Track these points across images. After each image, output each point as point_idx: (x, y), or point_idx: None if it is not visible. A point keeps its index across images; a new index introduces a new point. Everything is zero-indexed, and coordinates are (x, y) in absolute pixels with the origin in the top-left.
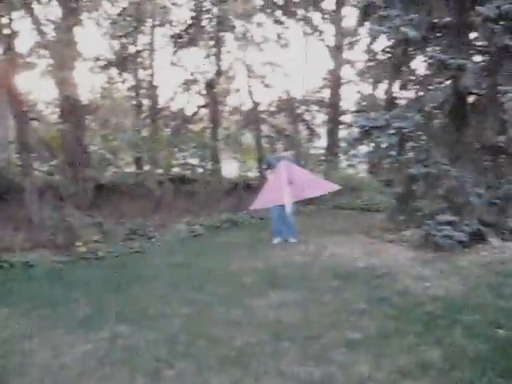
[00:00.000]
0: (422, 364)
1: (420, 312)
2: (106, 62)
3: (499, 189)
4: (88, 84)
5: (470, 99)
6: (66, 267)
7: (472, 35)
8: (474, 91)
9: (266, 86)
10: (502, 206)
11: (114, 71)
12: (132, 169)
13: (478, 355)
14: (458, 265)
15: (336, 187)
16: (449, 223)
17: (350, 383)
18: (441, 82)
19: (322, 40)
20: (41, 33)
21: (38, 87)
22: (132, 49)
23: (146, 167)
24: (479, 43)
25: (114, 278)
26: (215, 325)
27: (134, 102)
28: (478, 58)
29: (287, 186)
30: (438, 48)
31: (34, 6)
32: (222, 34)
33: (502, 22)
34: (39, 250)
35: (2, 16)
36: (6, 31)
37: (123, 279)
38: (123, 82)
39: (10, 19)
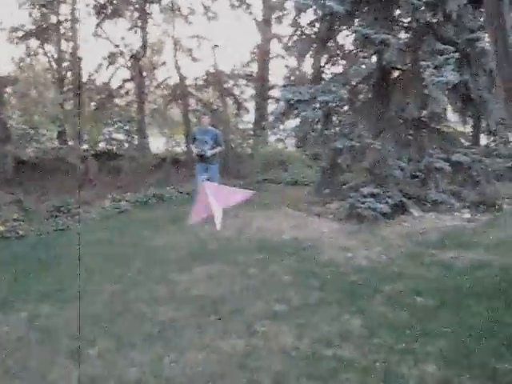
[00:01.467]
0: (344, 333)
1: (343, 282)
2: (25, 32)
3: (421, 162)
4: (6, 55)
5: (394, 74)
6: None
7: (396, 12)
8: (398, 66)
9: (194, 59)
10: (424, 178)
11: (34, 42)
12: (55, 144)
13: (397, 322)
14: (380, 236)
15: (251, 193)
16: (372, 195)
17: (273, 354)
18: (366, 57)
19: (250, 13)
20: None
21: None
22: (53, 19)
23: (70, 142)
24: (403, 19)
25: (35, 257)
26: (139, 301)
27: (56, 75)
28: (401, 35)
29: (213, 198)
30: (363, 23)
31: None
32: (147, 5)
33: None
34: None
35: None
36: None
37: (46, 258)
38: (44, 53)
39: None
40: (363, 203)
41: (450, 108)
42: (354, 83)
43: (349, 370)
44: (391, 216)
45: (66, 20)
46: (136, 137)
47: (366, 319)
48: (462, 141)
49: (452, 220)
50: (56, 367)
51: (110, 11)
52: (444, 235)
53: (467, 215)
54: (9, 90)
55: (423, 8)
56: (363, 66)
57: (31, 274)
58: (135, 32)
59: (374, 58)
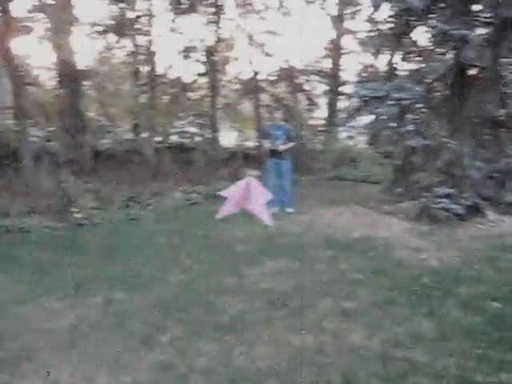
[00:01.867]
0: (414, 334)
1: (415, 283)
2: (103, 28)
3: (498, 162)
4: (86, 50)
5: (472, 72)
6: (62, 233)
7: (476, 7)
8: (476, 63)
9: (266, 54)
10: (500, 179)
11: (112, 37)
12: (130, 136)
13: (471, 327)
14: (454, 237)
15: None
16: (446, 196)
17: (342, 352)
18: (443, 54)
19: (324, 9)
20: None
21: (34, 52)
22: (131, 14)
23: (144, 134)
24: (483, 15)
25: (109, 245)
26: (210, 292)
27: (132, 69)
28: (481, 31)
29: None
30: (440, 18)
31: None
32: (221, 0)
33: None
34: (36, 215)
35: None
36: None
37: (118, 245)
38: (121, 47)
39: None
40: (437, 203)
41: None
42: (429, 80)
43: (420, 373)
44: (465, 218)
45: (143, 15)
46: (208, 130)
47: (437, 322)
48: None
49: None
50: (129, 352)
51: (185, 7)
52: None
53: None
54: (87, 82)
55: (505, 2)
56: (440, 63)
57: (105, 260)
58: (209, 27)
59: (451, 55)
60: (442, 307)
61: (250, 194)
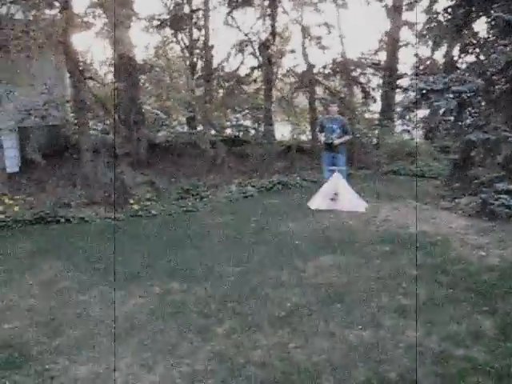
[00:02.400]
0: (474, 333)
1: (474, 281)
2: (160, 22)
3: None
4: (143, 44)
5: None
6: (120, 224)
7: None
8: None
9: (322, 47)
10: None
11: (168, 31)
12: (185, 129)
13: None
14: None
15: (364, 206)
16: (507, 192)
17: (399, 349)
18: (505, 46)
19: (381, 0)
20: None
21: (93, 46)
22: (186, 8)
23: (199, 127)
24: None
25: (165, 236)
26: (265, 285)
27: (188, 62)
28: None
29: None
30: (503, 8)
31: None
32: None
33: None
34: (94, 206)
35: None
36: None
37: (175, 237)
38: (177, 41)
39: None
40: (497, 200)
41: None
42: (490, 73)
43: (480, 372)
44: None
45: (199, 9)
46: (262, 124)
47: (498, 321)
48: None
49: None
50: (185, 342)
51: (240, 0)
52: None
53: None
54: (144, 76)
55: None
56: (501, 55)
57: (161, 251)
58: (264, 20)
59: None
60: (503, 305)
61: (338, 193)
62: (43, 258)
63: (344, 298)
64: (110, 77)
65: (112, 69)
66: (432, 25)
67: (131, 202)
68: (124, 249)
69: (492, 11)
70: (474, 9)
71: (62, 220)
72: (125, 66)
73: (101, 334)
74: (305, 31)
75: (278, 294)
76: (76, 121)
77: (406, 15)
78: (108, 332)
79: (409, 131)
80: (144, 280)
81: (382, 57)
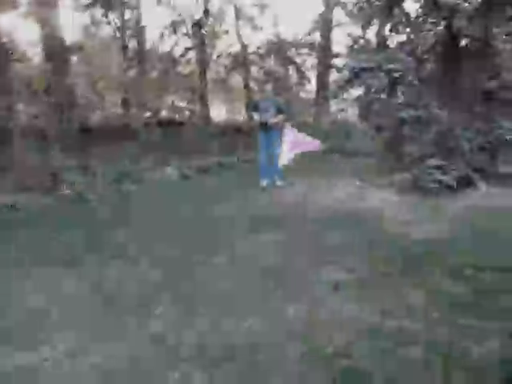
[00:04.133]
0: (404, 305)
1: (405, 255)
2: (90, 1)
3: (489, 134)
4: (72, 24)
5: (463, 42)
6: (53, 210)
7: None
8: (467, 34)
9: (255, 27)
10: (492, 151)
11: (98, 11)
12: (119, 111)
13: (460, 297)
14: (445, 209)
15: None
16: (438, 167)
17: (337, 326)
18: (433, 23)
19: None
20: None
21: (20, 27)
22: None
23: (134, 110)
24: None
25: (100, 221)
26: (201, 266)
27: (120, 43)
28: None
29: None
30: None
31: None
32: None
33: None
34: (26, 192)
35: None
36: None
37: (109, 221)
38: (109, 22)
39: None
40: (428, 175)
41: None
42: (420, 51)
43: (412, 342)
44: (457, 189)
45: None
46: (198, 105)
47: (427, 293)
48: None
49: None
50: (120, 326)
51: None
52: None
53: None
54: (75, 57)
55: None
56: (431, 34)
57: (96, 236)
58: (198, 0)
59: (442, 26)
60: (432, 278)
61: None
62: None
63: (278, 276)
64: (39, 59)
65: (40, 50)
66: (363, 5)
67: (64, 186)
68: (57, 235)
69: None
70: None
71: None
72: (53, 47)
73: (33, 323)
74: (238, 11)
75: (213, 275)
76: (3, 104)
77: None
78: (42, 321)
79: (343, 110)
80: (79, 266)
81: (317, 37)
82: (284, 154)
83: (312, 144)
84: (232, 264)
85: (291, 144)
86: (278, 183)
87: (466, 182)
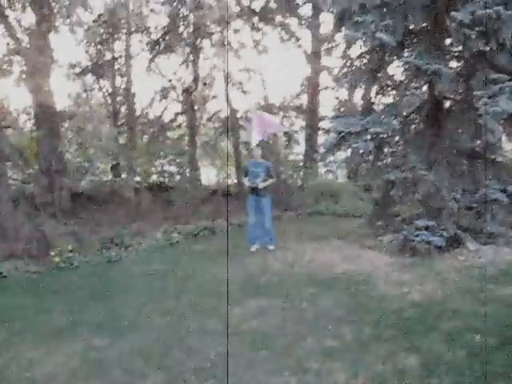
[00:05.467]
0: (399, 371)
1: (398, 318)
2: (81, 69)
3: (476, 193)
4: (64, 91)
5: (446, 104)
6: (41, 277)
7: (447, 41)
8: (450, 96)
9: (244, 92)
10: (479, 210)
11: (90, 78)
12: (109, 177)
13: (455, 361)
14: (435, 270)
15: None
16: (426, 228)
17: None
18: (417, 88)
19: (300, 46)
20: (14, 39)
21: (11, 94)
22: (108, 55)
23: (124, 175)
24: (454, 49)
25: (89, 288)
26: (191, 335)
27: (111, 109)
28: (453, 64)
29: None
30: (413, 53)
31: (8, 12)
32: (198, 40)
33: (476, 28)
34: (13, 259)
35: None
36: None
37: (98, 289)
38: (100, 88)
39: None
40: (417, 236)
41: (505, 137)
42: (405, 114)
43: None
44: (446, 249)
45: (121, 56)
46: (188, 169)
47: (422, 357)
48: None
49: (510, 253)
50: None
51: (162, 47)
52: (502, 269)
53: None
54: (66, 124)
55: (475, 37)
56: (415, 97)
57: (85, 304)
58: (187, 66)
59: (426, 88)
60: (426, 342)
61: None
62: None
63: (270, 343)
64: (30, 125)
65: (32, 117)
66: (348, 69)
67: (52, 254)
68: (44, 303)
69: (403, 56)
70: (387, 54)
71: None
72: (44, 114)
73: None
74: (227, 77)
75: (203, 344)
76: None
77: (325, 60)
78: None
79: (332, 172)
80: (66, 336)
81: (304, 100)
82: (252, 136)
83: (277, 126)
84: (222, 332)
85: (258, 126)
86: (270, 247)
87: (455, 242)
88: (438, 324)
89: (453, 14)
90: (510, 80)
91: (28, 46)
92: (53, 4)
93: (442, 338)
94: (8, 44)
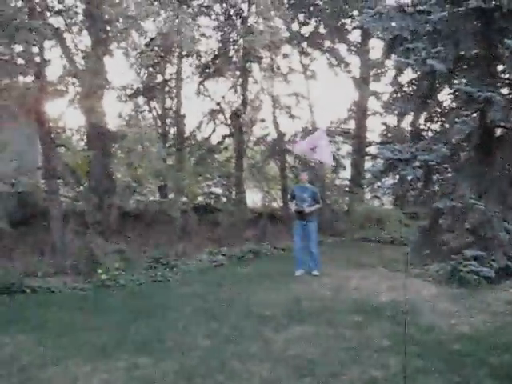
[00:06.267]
0: None
1: (445, 350)
2: (133, 91)
3: None
4: (115, 112)
5: (498, 132)
6: (88, 294)
7: (499, 67)
8: (502, 124)
9: (292, 116)
10: None
11: (141, 100)
12: (156, 197)
13: None
14: (484, 301)
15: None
16: (475, 258)
17: None
18: (468, 115)
19: (348, 72)
20: (71, 61)
21: (66, 114)
22: (159, 78)
23: (171, 195)
24: (506, 76)
25: (134, 307)
26: (234, 358)
27: (160, 131)
28: (505, 91)
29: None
30: (464, 80)
31: (65, 35)
32: (248, 64)
33: None
34: (62, 276)
35: (34, 45)
36: (37, 59)
37: (144, 308)
38: (150, 110)
39: (41, 48)
40: (466, 266)
41: None
42: (455, 141)
43: None
44: (495, 281)
45: (171, 79)
46: (234, 191)
47: None
48: None
49: None
50: None
51: (212, 71)
52: None
53: None
54: (116, 144)
55: None
56: (465, 124)
57: (130, 323)
58: (235, 90)
59: (477, 115)
60: (475, 376)
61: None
62: (5, 331)
63: (314, 370)
64: (82, 145)
65: (84, 136)
66: (397, 95)
67: (99, 271)
68: (91, 320)
69: (454, 83)
70: (437, 81)
71: (28, 290)
72: (97, 134)
73: None
74: (275, 101)
75: (246, 368)
76: (46, 188)
77: (374, 85)
78: None
79: (378, 197)
80: (111, 354)
81: (351, 125)
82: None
83: (327, 155)
84: (265, 358)
85: (311, 142)
86: (315, 273)
87: (505, 273)
88: (487, 358)
89: (506, 41)
90: None
91: (83, 68)
92: (108, 28)
93: (490, 373)
94: (64, 66)
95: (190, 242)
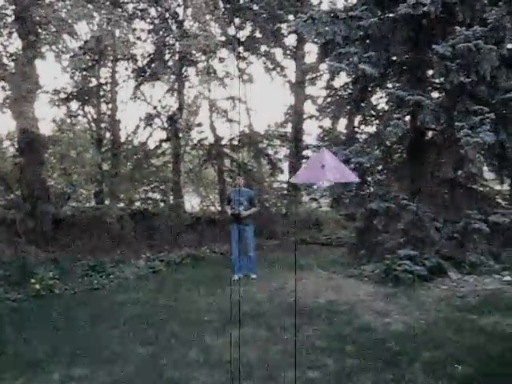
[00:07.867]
0: None
1: (380, 349)
2: (66, 95)
3: (458, 223)
4: (48, 117)
5: (428, 135)
6: (20, 305)
7: (429, 72)
8: (432, 127)
9: (229, 120)
10: (461, 239)
11: (75, 104)
12: (92, 203)
13: None
14: (418, 299)
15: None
16: (409, 257)
17: None
18: (400, 118)
19: (284, 76)
20: (0, 65)
21: None
22: (94, 82)
23: (107, 201)
24: (436, 80)
25: (69, 317)
26: (172, 366)
27: (95, 136)
28: (435, 95)
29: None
30: (396, 84)
31: None
32: (184, 68)
33: (457, 61)
34: None
35: None
36: None
37: (79, 318)
38: (85, 115)
39: None
40: (400, 265)
41: (486, 167)
42: (388, 144)
43: None
44: (428, 279)
45: (106, 83)
46: (171, 196)
47: None
48: (500, 201)
49: (492, 283)
50: None
51: (148, 74)
52: (483, 299)
53: (507, 277)
54: (49, 150)
55: (456, 69)
56: (397, 127)
57: (64, 333)
58: (172, 94)
59: (409, 119)
60: (409, 372)
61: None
62: None
63: (252, 374)
64: (12, 151)
65: (14, 143)
66: (332, 99)
67: (33, 281)
68: (23, 332)
69: (386, 87)
70: (370, 84)
71: None
72: (28, 140)
73: None
74: (212, 105)
75: (185, 375)
76: None
77: (309, 89)
78: None
79: (316, 200)
80: (44, 367)
81: (288, 129)
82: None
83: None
84: (204, 364)
85: (333, 169)
86: (253, 276)
87: (437, 271)
88: (421, 354)
89: (434, 47)
90: (489, 112)
91: (13, 71)
92: (39, 31)
93: (424, 369)
94: None
95: (127, 249)
